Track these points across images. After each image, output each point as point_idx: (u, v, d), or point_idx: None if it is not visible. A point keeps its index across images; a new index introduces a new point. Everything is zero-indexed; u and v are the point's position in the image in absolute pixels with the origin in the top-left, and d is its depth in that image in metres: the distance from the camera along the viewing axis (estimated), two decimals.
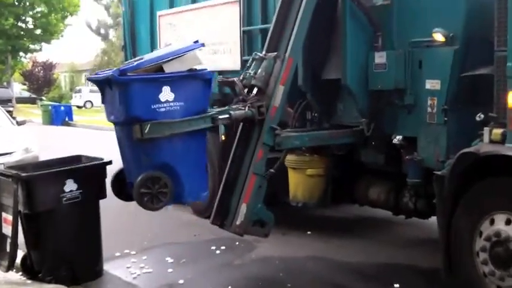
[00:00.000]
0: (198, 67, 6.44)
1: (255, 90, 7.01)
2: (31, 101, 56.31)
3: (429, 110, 6.75)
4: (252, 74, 7.02)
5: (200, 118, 6.36)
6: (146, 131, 5.98)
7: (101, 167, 7.18)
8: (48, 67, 62.80)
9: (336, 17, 7.68)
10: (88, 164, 7.30)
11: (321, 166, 8.09)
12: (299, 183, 8.14)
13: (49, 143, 18.72)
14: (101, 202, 7.18)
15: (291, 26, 7.17)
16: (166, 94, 6.10)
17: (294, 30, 7.08)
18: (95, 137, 24.97)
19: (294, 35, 7.07)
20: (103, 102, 6.56)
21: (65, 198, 6.77)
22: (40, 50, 49.75)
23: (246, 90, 7.02)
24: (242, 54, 8.96)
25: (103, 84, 6.33)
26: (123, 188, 6.72)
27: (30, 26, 46.78)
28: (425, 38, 6.68)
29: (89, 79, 7.26)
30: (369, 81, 7.34)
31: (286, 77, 6.95)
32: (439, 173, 6.19)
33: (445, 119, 6.60)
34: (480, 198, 5.87)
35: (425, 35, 6.67)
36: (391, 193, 7.70)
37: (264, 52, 7.19)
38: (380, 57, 7.20)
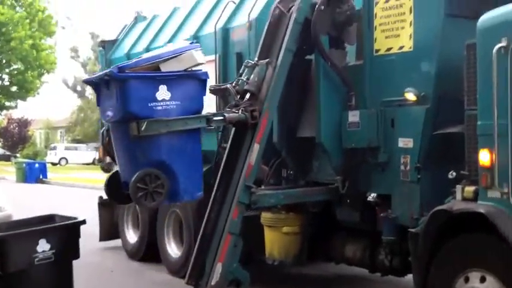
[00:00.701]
0: (196, 68, 6.56)
1: (247, 96, 7.17)
2: (5, 158, 55.88)
3: (402, 168, 6.82)
4: (244, 80, 7.21)
5: (196, 117, 6.47)
6: (143, 128, 6.06)
7: (74, 226, 7.12)
8: (24, 124, 62.57)
9: (310, 77, 7.81)
10: (61, 223, 7.22)
11: (297, 224, 8.08)
12: (275, 241, 8.12)
13: (23, 201, 18.50)
14: (74, 262, 7.09)
15: (267, 84, 7.27)
16: (163, 93, 6.23)
17: (270, 89, 7.18)
18: (69, 195, 24.76)
19: (269, 94, 7.17)
20: (98, 104, 6.64)
21: (37, 259, 6.67)
22: (15, 107, 49.62)
23: (238, 96, 7.19)
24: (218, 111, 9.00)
25: (99, 84, 6.41)
26: (117, 190, 6.69)
27: (6, 83, 46.71)
28: (398, 97, 6.81)
29: (84, 81, 7.32)
30: (342, 139, 7.42)
31: (261, 135, 7.03)
32: (413, 230, 6.23)
33: (418, 176, 6.67)
34: (454, 255, 5.89)
35: (397, 94, 6.79)
36: (367, 250, 7.70)
37: (256, 59, 7.34)
38: (353, 116, 7.30)
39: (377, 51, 7.21)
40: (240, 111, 6.97)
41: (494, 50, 5.48)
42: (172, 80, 6.29)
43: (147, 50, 10.67)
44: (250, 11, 8.38)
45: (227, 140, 7.63)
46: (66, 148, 51.38)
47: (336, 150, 7.47)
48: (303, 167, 8.09)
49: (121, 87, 6.11)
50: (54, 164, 49.43)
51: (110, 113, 6.37)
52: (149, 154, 6.27)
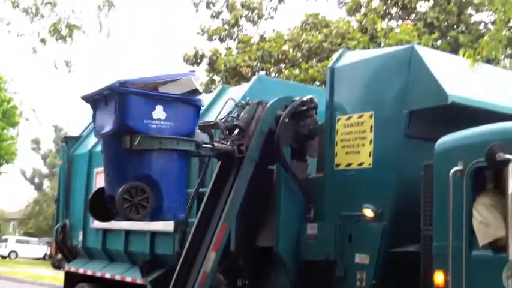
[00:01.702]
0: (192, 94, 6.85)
1: (236, 131, 7.38)
2: None
3: (358, 283, 6.80)
4: (234, 117, 7.48)
5: (187, 140, 6.68)
6: (136, 143, 6.27)
7: None
8: None
9: (271, 186, 7.87)
10: None
11: None
12: None
13: None
14: None
15: (226, 193, 7.32)
16: (159, 112, 6.49)
17: (230, 198, 7.22)
18: None
19: (229, 202, 7.20)
20: (93, 120, 6.86)
21: None
22: None
23: (227, 131, 7.45)
24: None
25: (98, 100, 6.63)
26: (100, 207, 6.76)
27: None
28: (356, 213, 6.87)
29: (83, 97, 7.07)
30: (300, 251, 7.42)
31: (218, 243, 7.01)
32: None
33: None
34: None
35: (355, 209, 6.87)
36: None
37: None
38: (312, 229, 7.33)
39: (337, 165, 7.35)
40: (228, 143, 7.23)
41: (451, 173, 5.61)
42: (169, 101, 6.59)
43: None
44: (217, 116, 8.47)
45: (183, 246, 7.59)
46: (18, 241, 50.01)
47: (293, 261, 7.45)
48: (259, 277, 8.02)
49: (121, 101, 6.36)
50: (3, 257, 48.00)
51: (105, 126, 6.55)
52: (138, 168, 6.43)
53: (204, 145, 7.02)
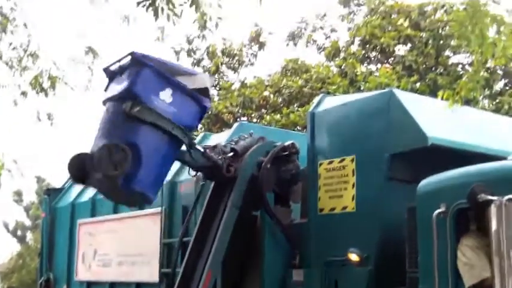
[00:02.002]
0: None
1: (231, 153, 7.52)
2: None
3: None
4: (233, 143, 7.69)
5: (183, 130, 6.84)
6: (135, 110, 6.50)
7: None
8: None
9: (255, 233, 7.84)
10: None
11: None
12: None
13: None
14: None
15: (210, 241, 7.28)
16: (166, 95, 6.76)
17: (214, 245, 7.18)
18: None
19: (214, 249, 7.16)
20: (105, 90, 7.07)
21: None
22: None
23: (223, 153, 7.55)
24: (161, 267, 8.88)
25: (114, 72, 6.95)
26: (77, 169, 6.87)
27: None
28: (341, 258, 6.84)
29: (103, 69, 7.35)
30: None
31: None
32: None
33: None
34: None
35: (340, 254, 6.84)
36: None
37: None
38: (298, 275, 7.29)
39: (321, 210, 7.35)
40: (219, 158, 7.37)
41: (434, 215, 5.62)
42: (180, 90, 6.85)
43: (93, 200, 10.65)
44: None
45: None
46: None
47: None
48: None
49: (137, 71, 6.66)
50: None
51: (113, 93, 6.82)
52: (127, 134, 6.63)
53: (197, 146, 7.21)
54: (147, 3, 7.59)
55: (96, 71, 11.47)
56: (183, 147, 7.08)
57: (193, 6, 7.61)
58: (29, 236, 59.75)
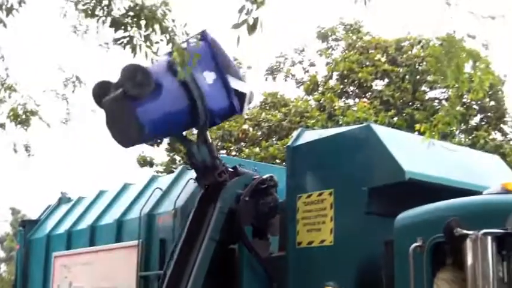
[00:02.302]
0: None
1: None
2: None
3: None
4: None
5: (206, 112, 7.51)
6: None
7: None
8: None
9: (233, 266, 7.82)
10: None
11: None
12: None
13: None
14: None
15: (188, 274, 7.24)
16: (210, 77, 7.56)
17: (191, 278, 7.15)
18: None
19: (191, 282, 7.13)
20: None
21: None
22: None
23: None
24: None
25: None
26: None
27: None
28: None
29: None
30: None
31: None
32: None
33: None
34: None
35: (318, 287, 6.83)
36: None
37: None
38: None
39: (299, 243, 7.35)
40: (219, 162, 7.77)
41: (411, 249, 5.65)
42: (222, 80, 7.52)
43: (69, 232, 10.58)
44: (177, 199, 8.48)
45: None
46: None
47: None
48: None
49: (200, 38, 7.33)
50: None
51: None
52: (160, 74, 7.38)
53: (205, 130, 7.76)
54: (125, 40, 7.63)
55: (76, 102, 11.41)
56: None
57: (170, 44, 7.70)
58: (3, 268, 58.84)
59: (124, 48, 7.79)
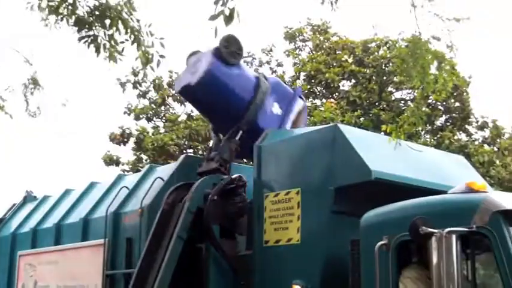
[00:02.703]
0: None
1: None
2: None
3: None
4: None
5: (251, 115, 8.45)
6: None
7: None
8: None
9: (200, 265, 7.81)
10: None
11: None
12: None
13: None
14: None
15: (155, 272, 7.23)
16: (277, 108, 8.74)
17: (158, 276, 7.14)
18: None
19: (158, 280, 7.12)
20: None
21: None
22: None
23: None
24: None
25: None
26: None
27: None
28: None
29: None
30: None
31: None
32: None
33: None
34: None
35: (285, 285, 6.86)
36: None
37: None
38: None
39: (266, 242, 7.38)
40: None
41: (376, 247, 5.71)
42: (282, 119, 8.82)
43: (34, 230, 10.47)
44: (143, 198, 8.45)
45: None
46: None
47: None
48: None
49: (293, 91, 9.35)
50: None
51: None
52: None
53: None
54: (89, 39, 7.56)
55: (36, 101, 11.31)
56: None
57: (135, 44, 7.64)
58: None
59: (88, 47, 7.75)
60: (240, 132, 8.35)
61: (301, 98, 9.29)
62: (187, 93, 8.66)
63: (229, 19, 5.87)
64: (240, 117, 8.34)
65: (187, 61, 8.70)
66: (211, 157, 8.25)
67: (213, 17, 5.90)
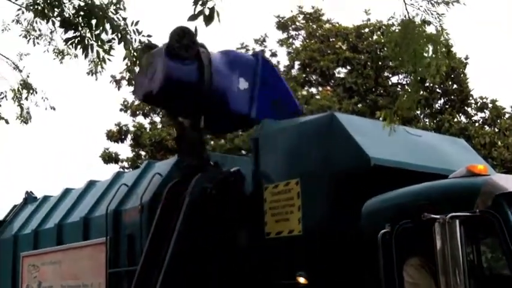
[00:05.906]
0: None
1: None
2: None
3: None
4: None
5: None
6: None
7: None
8: None
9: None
10: None
11: None
12: None
13: None
14: None
15: (158, 268, 7.21)
16: (243, 84, 8.39)
17: (162, 273, 7.11)
18: None
19: (162, 276, 7.10)
20: None
21: None
22: None
23: None
24: None
25: None
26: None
27: None
28: (290, 281, 6.74)
29: None
30: None
31: None
32: None
33: None
34: None
35: (290, 277, 6.76)
36: None
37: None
38: None
39: (268, 234, 7.34)
40: None
41: (379, 235, 5.66)
42: (251, 93, 8.47)
43: (36, 231, 10.46)
44: (143, 194, 8.42)
45: None
46: None
47: None
48: None
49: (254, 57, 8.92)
50: None
51: None
52: None
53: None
54: (76, 40, 7.52)
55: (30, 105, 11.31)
56: None
57: (122, 43, 7.60)
58: None
59: (75, 49, 7.72)
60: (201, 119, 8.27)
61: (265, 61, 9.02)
62: (151, 101, 8.64)
63: (209, 19, 5.76)
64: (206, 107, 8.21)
65: (141, 60, 8.16)
66: (185, 152, 8.23)
67: (193, 17, 5.80)
